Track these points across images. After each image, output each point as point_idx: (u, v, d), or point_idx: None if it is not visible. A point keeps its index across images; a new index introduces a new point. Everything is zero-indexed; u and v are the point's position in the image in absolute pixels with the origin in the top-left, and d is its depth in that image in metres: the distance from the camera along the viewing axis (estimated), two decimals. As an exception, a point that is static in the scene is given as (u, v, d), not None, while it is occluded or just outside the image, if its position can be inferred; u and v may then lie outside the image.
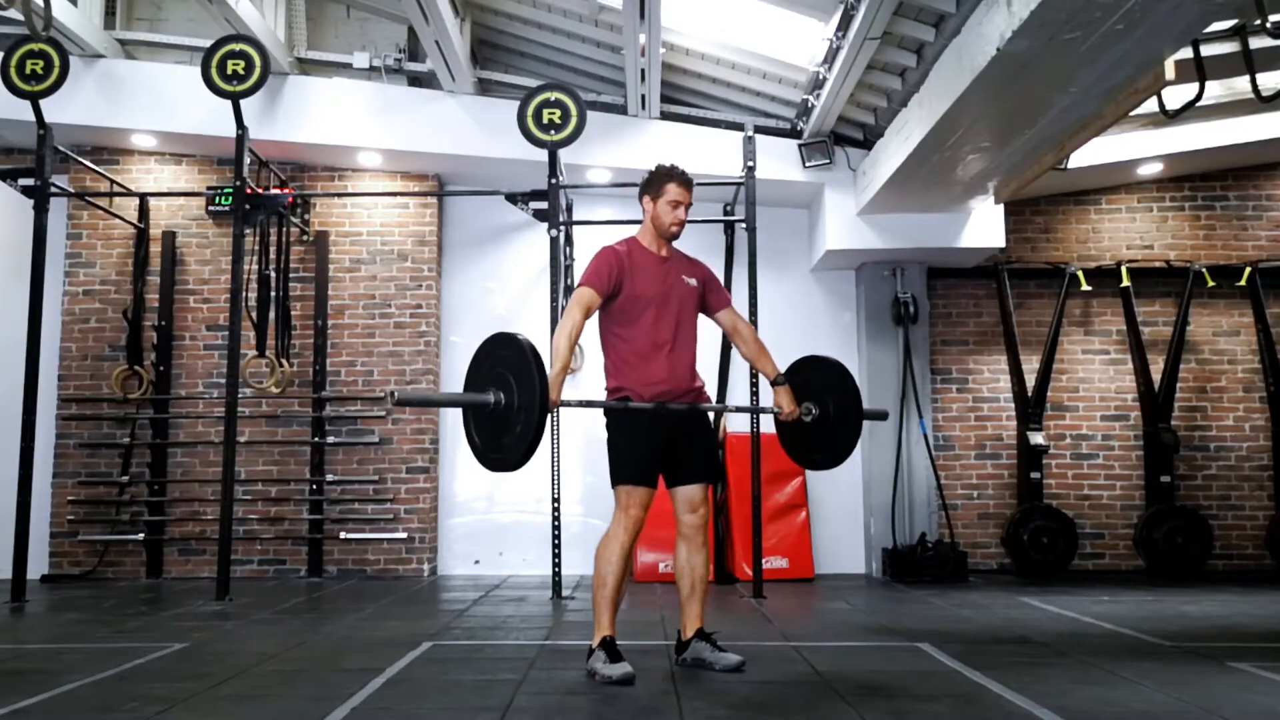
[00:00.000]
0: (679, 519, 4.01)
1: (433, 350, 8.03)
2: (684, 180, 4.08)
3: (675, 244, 4.18)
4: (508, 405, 3.56)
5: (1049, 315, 8.09)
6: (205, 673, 3.95)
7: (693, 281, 4.10)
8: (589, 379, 7.84)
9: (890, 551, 7.64)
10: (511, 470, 3.64)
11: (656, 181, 4.09)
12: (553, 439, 6.56)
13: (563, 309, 7.33)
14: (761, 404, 6.61)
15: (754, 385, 6.60)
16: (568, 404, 3.84)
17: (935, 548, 7.50)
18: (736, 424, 7.74)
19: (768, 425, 7.00)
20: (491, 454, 3.66)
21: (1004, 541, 7.84)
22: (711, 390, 7.70)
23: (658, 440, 3.91)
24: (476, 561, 8.04)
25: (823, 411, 4.20)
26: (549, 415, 3.50)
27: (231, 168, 7.22)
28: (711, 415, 4.15)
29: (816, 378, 4.27)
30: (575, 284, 4.07)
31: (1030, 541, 7.61)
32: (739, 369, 7.66)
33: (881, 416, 4.68)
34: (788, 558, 7.44)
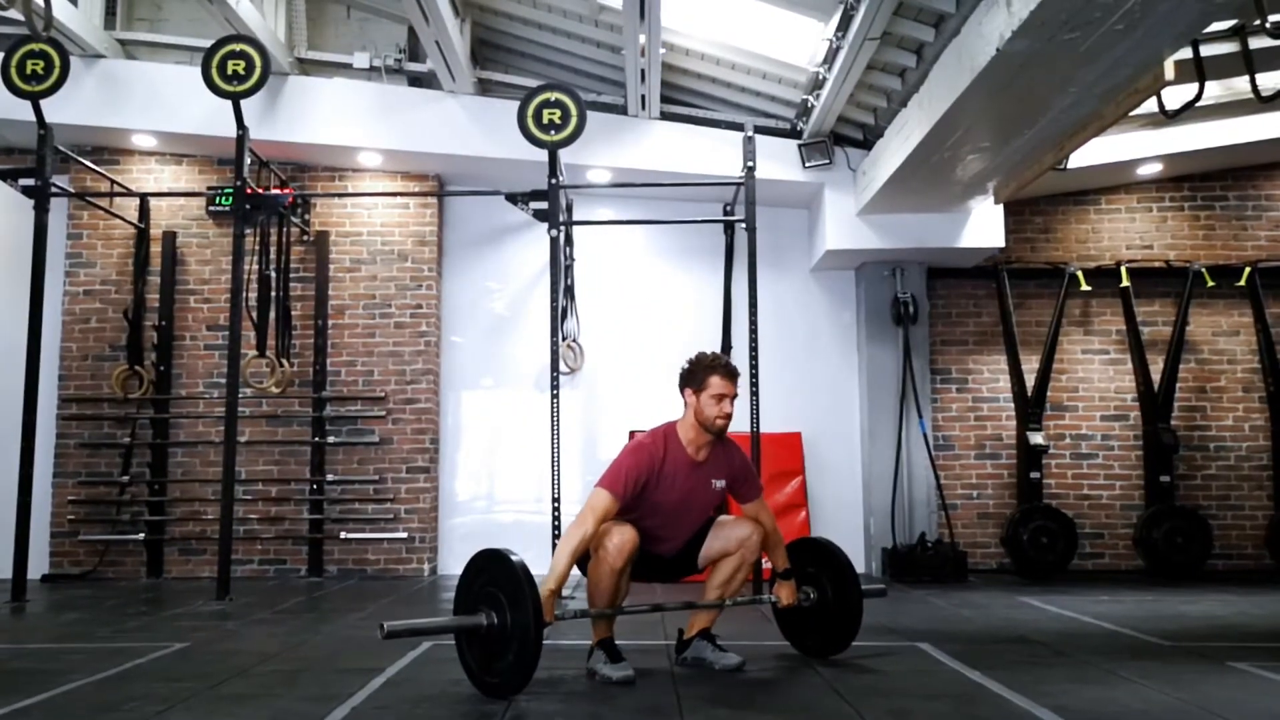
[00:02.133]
0: (740, 548, 3.93)
1: (433, 350, 8.03)
2: (729, 372, 3.89)
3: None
4: (500, 625, 3.45)
5: (1049, 315, 8.09)
6: (206, 672, 3.95)
7: (720, 484, 3.95)
8: (588, 378, 7.85)
9: (890, 551, 7.64)
10: (513, 694, 3.44)
11: (698, 374, 3.88)
12: (553, 439, 6.56)
13: (563, 310, 7.34)
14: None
15: (754, 387, 6.59)
16: (562, 618, 3.69)
17: (935, 547, 7.50)
18: (736, 424, 7.73)
19: (768, 425, 7.02)
20: (488, 678, 3.51)
21: (1004, 541, 7.84)
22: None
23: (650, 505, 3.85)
24: (477, 561, 8.02)
25: (821, 596, 4.18)
26: (544, 634, 3.39)
27: (232, 168, 7.22)
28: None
29: (812, 562, 4.25)
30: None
31: (1030, 541, 7.61)
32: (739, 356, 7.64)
33: (880, 594, 4.70)
34: (788, 558, 7.43)
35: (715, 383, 3.84)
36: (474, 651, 3.59)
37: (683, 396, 3.93)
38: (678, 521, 3.94)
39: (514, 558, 3.49)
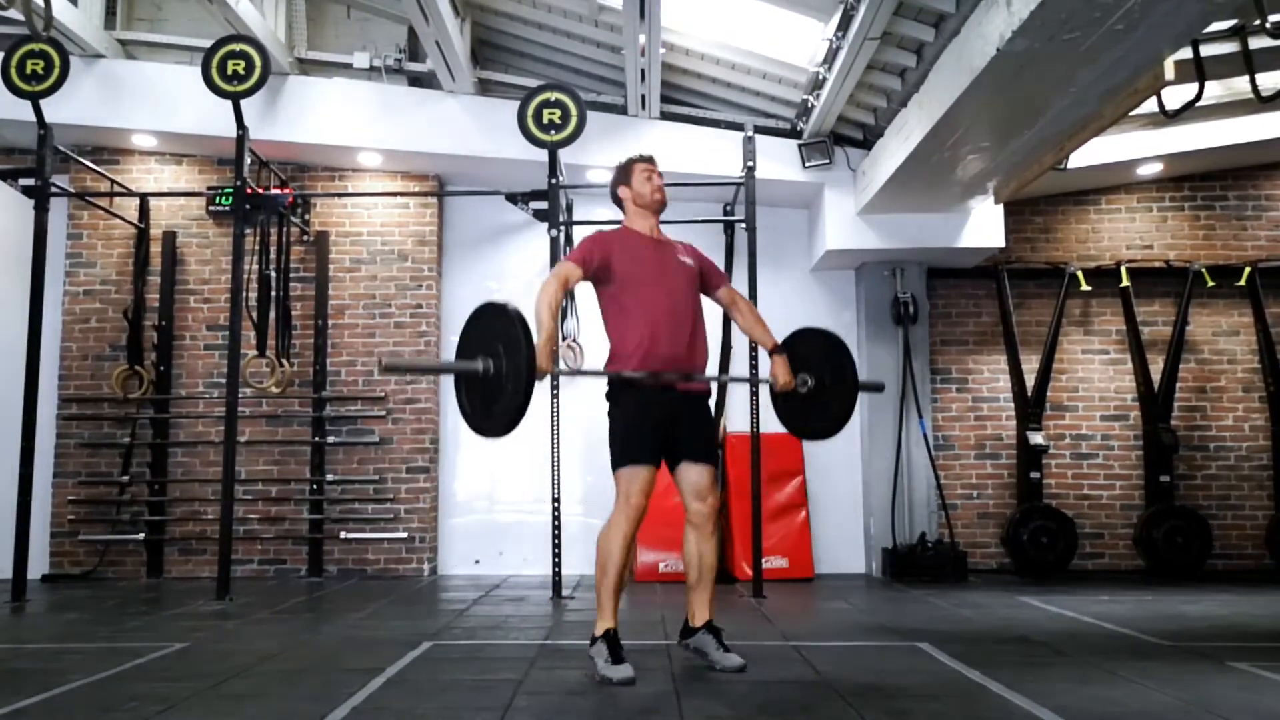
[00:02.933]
0: (687, 507, 4.01)
1: (433, 350, 8.03)
2: (645, 157, 4.23)
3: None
4: (496, 372, 3.60)
5: (1049, 315, 8.09)
6: (205, 672, 3.95)
7: (689, 261, 4.15)
8: (588, 378, 7.84)
9: (890, 551, 7.64)
10: (501, 436, 3.71)
11: (623, 170, 4.23)
12: (552, 439, 6.56)
13: (563, 310, 7.35)
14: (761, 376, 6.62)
15: (753, 361, 6.59)
16: (559, 372, 3.91)
17: (935, 547, 7.50)
18: (736, 424, 7.75)
19: (768, 426, 7.01)
20: (482, 422, 3.73)
21: (1004, 541, 7.84)
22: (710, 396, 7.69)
23: (654, 416, 3.91)
24: (477, 561, 8.04)
25: (818, 382, 4.22)
26: (536, 383, 3.55)
27: (232, 168, 7.22)
28: (712, 405, 4.14)
29: (813, 349, 4.30)
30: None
31: (1030, 541, 7.61)
32: (739, 352, 7.65)
33: (878, 388, 4.73)
34: (787, 557, 7.44)
35: (639, 167, 4.19)
36: (471, 395, 3.77)
37: (618, 197, 4.22)
38: (665, 289, 3.99)
39: (511, 308, 3.66)
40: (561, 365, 6.81)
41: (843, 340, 4.31)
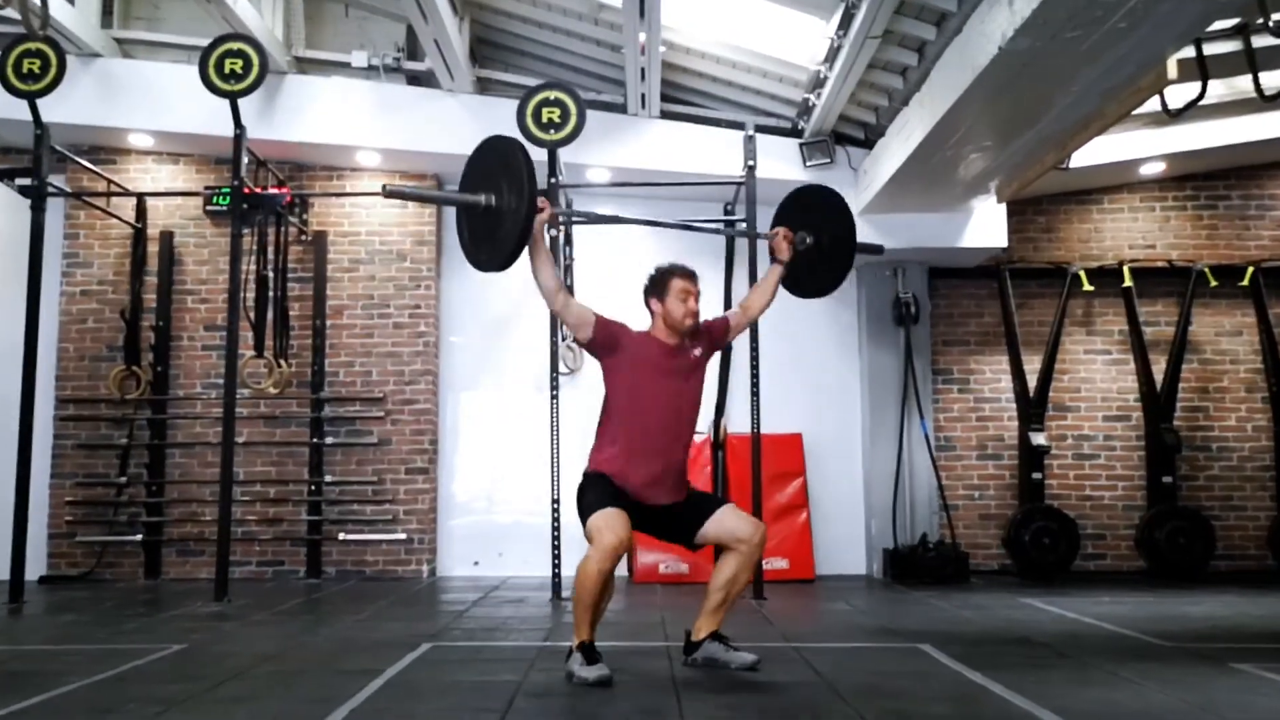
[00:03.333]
0: (738, 544, 3.86)
1: (431, 351, 8.01)
2: (687, 272, 4.03)
3: None
4: (498, 206, 3.70)
5: (1051, 315, 8.07)
6: (203, 674, 3.93)
7: (698, 351, 4.04)
8: (588, 378, 7.81)
9: (891, 552, 7.62)
10: (497, 270, 3.84)
11: (659, 281, 4.02)
12: (553, 439, 6.54)
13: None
14: (761, 406, 6.60)
15: (754, 388, 6.57)
16: (559, 212, 4.01)
17: (936, 548, 7.48)
18: (737, 424, 7.72)
19: (769, 426, 6.99)
20: (481, 253, 3.84)
21: (1005, 542, 7.82)
22: (710, 396, 7.67)
23: (628, 501, 3.82)
24: (476, 563, 8.02)
25: (816, 239, 4.35)
26: (535, 223, 3.68)
27: (229, 167, 7.20)
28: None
29: (806, 211, 4.47)
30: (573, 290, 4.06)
31: (1032, 542, 7.58)
32: (739, 362, 7.62)
33: (877, 250, 4.77)
34: (788, 559, 7.42)
35: (677, 284, 3.99)
36: (472, 226, 3.87)
37: (649, 308, 4.06)
38: (667, 412, 3.91)
39: (516, 144, 3.74)
40: (562, 366, 6.79)
41: (837, 194, 4.46)
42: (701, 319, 4.06)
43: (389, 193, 3.70)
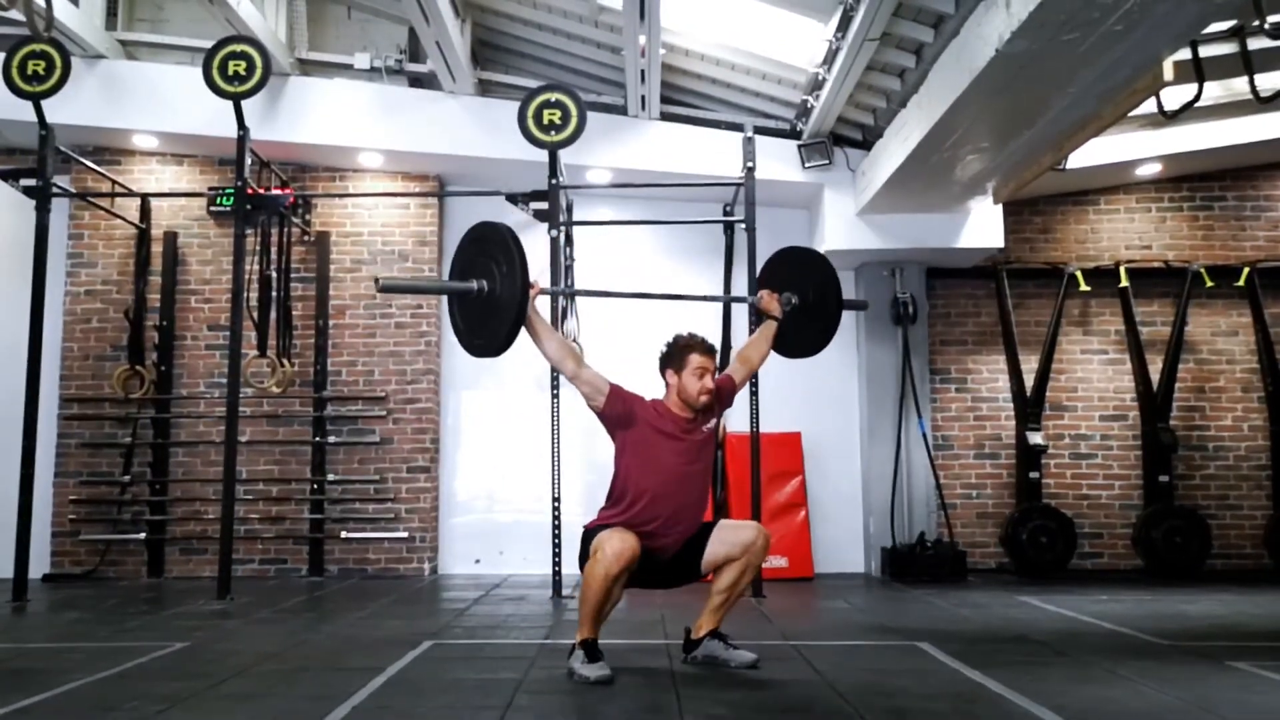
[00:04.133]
0: (744, 554, 3.90)
1: (433, 350, 8.04)
2: (706, 348, 4.00)
3: None
4: (490, 292, 3.72)
5: (1048, 315, 8.10)
6: (206, 672, 3.96)
7: (710, 425, 4.03)
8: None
9: (889, 551, 7.65)
10: (494, 356, 3.83)
11: (677, 354, 3.99)
12: (553, 438, 6.57)
13: (563, 310, 7.36)
14: (761, 414, 6.63)
15: (754, 388, 6.61)
16: (548, 291, 4.12)
17: (934, 547, 7.51)
18: (735, 423, 7.75)
19: (767, 425, 7.02)
20: (476, 339, 3.85)
21: (1003, 541, 7.85)
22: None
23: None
24: (477, 561, 8.05)
25: (802, 299, 4.41)
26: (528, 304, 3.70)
27: (233, 168, 7.22)
28: (711, 423, 4.11)
29: (791, 270, 4.52)
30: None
31: (1029, 541, 7.62)
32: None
33: (862, 306, 4.85)
34: (787, 557, 7.45)
35: (695, 359, 3.95)
36: (464, 313, 3.87)
37: (664, 379, 4.05)
38: (681, 485, 3.90)
39: (506, 229, 3.75)
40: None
41: (821, 255, 4.54)
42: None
43: (383, 288, 3.71)
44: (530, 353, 8.13)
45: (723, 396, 4.12)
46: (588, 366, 3.95)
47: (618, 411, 3.91)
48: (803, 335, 4.53)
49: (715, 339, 7.58)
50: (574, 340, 7.77)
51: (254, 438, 7.78)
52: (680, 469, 3.92)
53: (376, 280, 3.70)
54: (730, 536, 3.94)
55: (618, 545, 3.70)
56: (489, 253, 3.74)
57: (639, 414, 3.93)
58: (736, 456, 7.49)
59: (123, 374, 7.68)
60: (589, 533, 3.93)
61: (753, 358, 4.40)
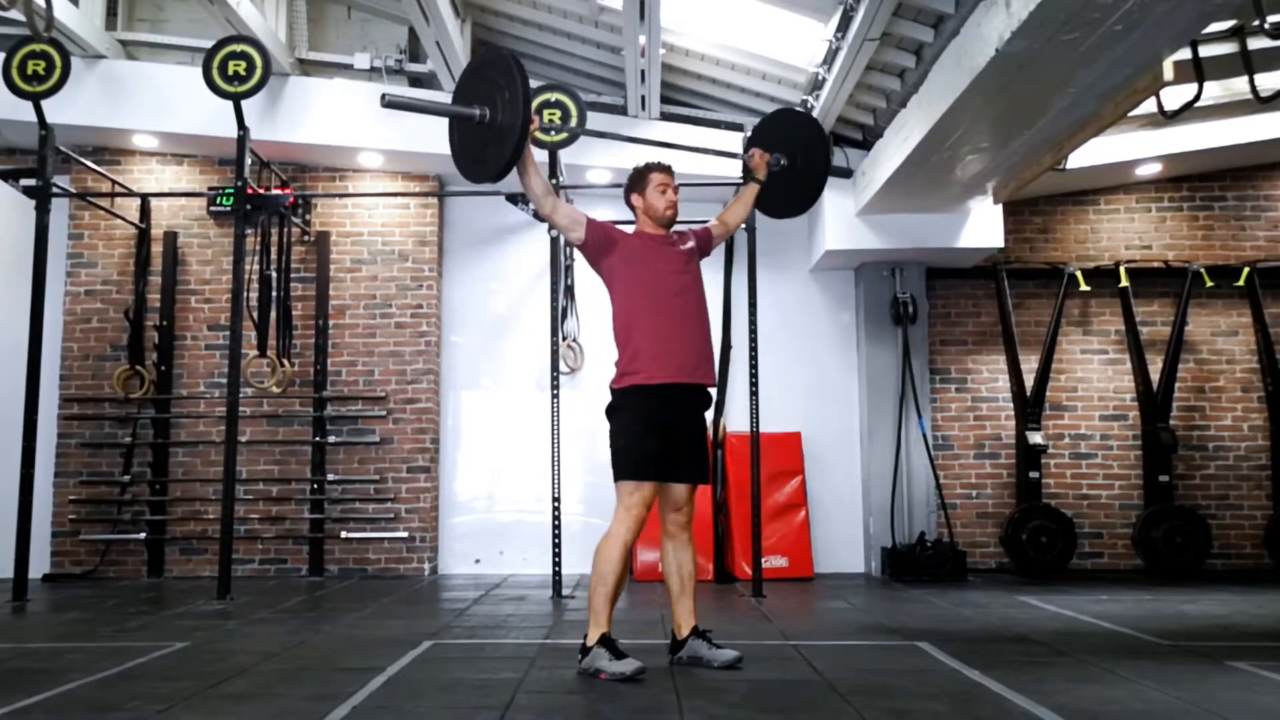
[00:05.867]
0: (663, 517, 4.04)
1: (433, 350, 8.04)
2: (663, 167, 4.18)
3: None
4: (491, 120, 3.74)
5: (1048, 315, 8.10)
6: (206, 672, 3.96)
7: (689, 245, 4.22)
8: (588, 378, 7.86)
9: (889, 551, 7.65)
10: (490, 181, 3.85)
11: (638, 177, 4.20)
12: (553, 438, 6.57)
13: (563, 310, 7.37)
14: (760, 408, 6.63)
15: (754, 387, 6.61)
16: (545, 126, 4.09)
17: (934, 547, 7.51)
18: (736, 424, 7.76)
19: (768, 425, 7.03)
20: (471, 164, 3.88)
21: (1003, 541, 7.85)
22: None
23: (658, 431, 3.93)
24: (477, 560, 8.06)
25: (790, 158, 4.47)
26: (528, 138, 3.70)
27: (233, 168, 7.23)
28: (710, 414, 4.17)
29: (780, 132, 4.61)
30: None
31: (1029, 541, 7.62)
32: (739, 370, 7.66)
33: (845, 174, 4.95)
34: (787, 557, 7.46)
35: (655, 177, 4.15)
36: (465, 139, 3.89)
37: (630, 204, 4.22)
38: (679, 295, 4.05)
39: (513, 58, 3.77)
40: (563, 365, 6.84)
41: (811, 116, 4.61)
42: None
43: (388, 103, 3.71)
44: (530, 353, 8.16)
45: (701, 241, 4.29)
46: (564, 202, 4.09)
47: (598, 238, 4.04)
48: (791, 195, 4.68)
49: (715, 339, 7.60)
50: (574, 341, 7.80)
51: (254, 438, 7.78)
52: (672, 279, 4.06)
53: (383, 96, 3.73)
54: (678, 495, 4.03)
55: (640, 514, 3.85)
56: (492, 78, 3.77)
57: (618, 237, 4.08)
58: (736, 456, 7.50)
59: (123, 374, 7.69)
60: (624, 399, 4.00)
61: (730, 220, 4.50)
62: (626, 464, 3.92)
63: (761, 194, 4.56)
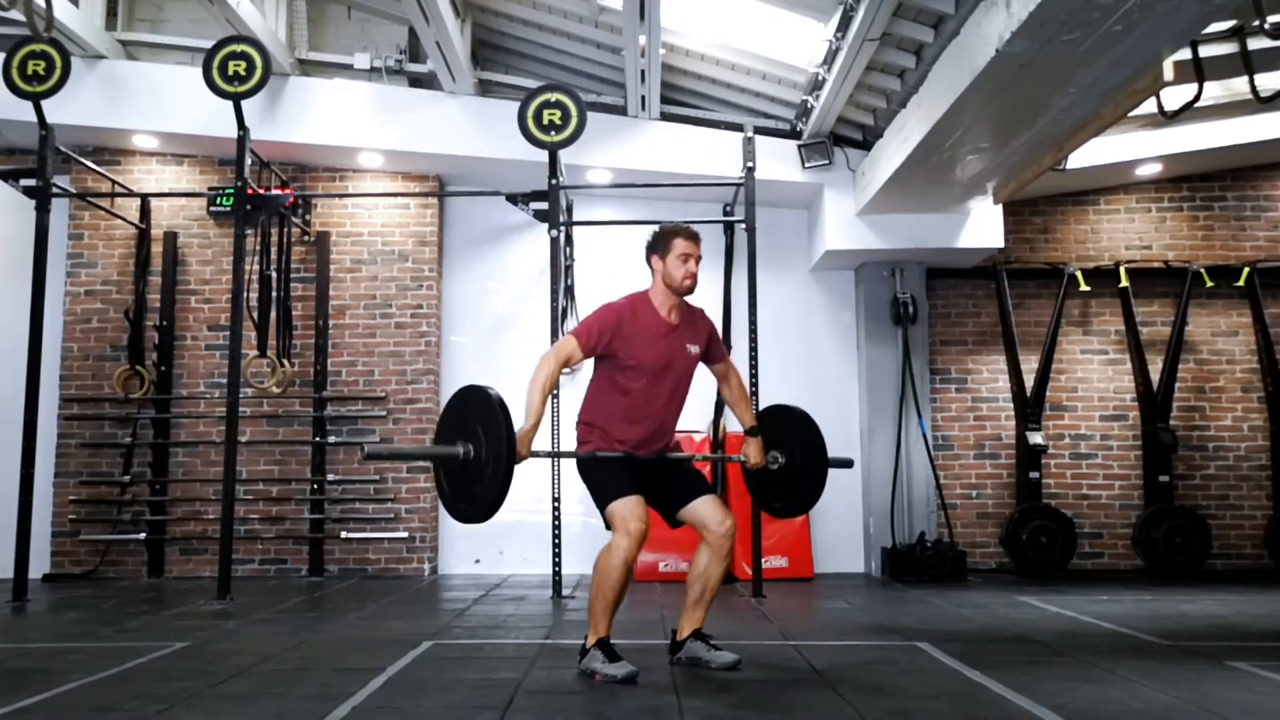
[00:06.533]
0: (706, 532, 3.91)
1: (433, 350, 8.04)
2: (691, 234, 4.02)
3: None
4: (476, 458, 3.55)
5: (1048, 315, 8.10)
6: (206, 672, 3.96)
7: (695, 349, 4.04)
8: (588, 378, 7.85)
9: (889, 551, 7.65)
10: (479, 522, 3.63)
11: (663, 239, 4.01)
12: (553, 438, 6.57)
13: (563, 310, 7.36)
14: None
15: (754, 388, 6.60)
16: (537, 455, 3.78)
17: (934, 547, 7.51)
18: (736, 424, 7.74)
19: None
20: (459, 505, 3.67)
21: (1003, 541, 7.85)
22: (710, 396, 7.69)
23: (633, 472, 3.88)
24: (477, 561, 8.06)
25: (789, 460, 4.22)
26: (515, 468, 3.50)
27: (233, 168, 7.23)
28: (709, 415, 4.16)
29: (785, 427, 4.29)
30: (570, 332, 4.05)
31: (1029, 541, 7.62)
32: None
33: (846, 464, 4.63)
34: (787, 557, 7.46)
35: (680, 244, 3.97)
36: (450, 479, 3.71)
37: (650, 265, 4.06)
38: (663, 385, 3.94)
39: (492, 393, 3.63)
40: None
41: (812, 418, 4.29)
42: (706, 324, 4.12)
43: (368, 455, 3.51)
44: (530, 353, 8.11)
45: (711, 350, 4.14)
46: (553, 355, 3.93)
47: (602, 345, 3.91)
48: (786, 497, 4.39)
49: (708, 391, 7.60)
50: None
51: (254, 438, 7.78)
52: (662, 380, 3.93)
53: (362, 448, 3.58)
54: (706, 511, 3.93)
55: (637, 528, 3.73)
56: (475, 415, 3.63)
57: (621, 328, 3.91)
58: (736, 456, 7.49)
59: (123, 374, 7.69)
60: (587, 457, 3.93)
61: (728, 386, 4.25)
62: (606, 492, 3.83)
63: (758, 488, 4.42)
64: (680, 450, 4.15)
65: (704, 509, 3.94)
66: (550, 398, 6.53)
